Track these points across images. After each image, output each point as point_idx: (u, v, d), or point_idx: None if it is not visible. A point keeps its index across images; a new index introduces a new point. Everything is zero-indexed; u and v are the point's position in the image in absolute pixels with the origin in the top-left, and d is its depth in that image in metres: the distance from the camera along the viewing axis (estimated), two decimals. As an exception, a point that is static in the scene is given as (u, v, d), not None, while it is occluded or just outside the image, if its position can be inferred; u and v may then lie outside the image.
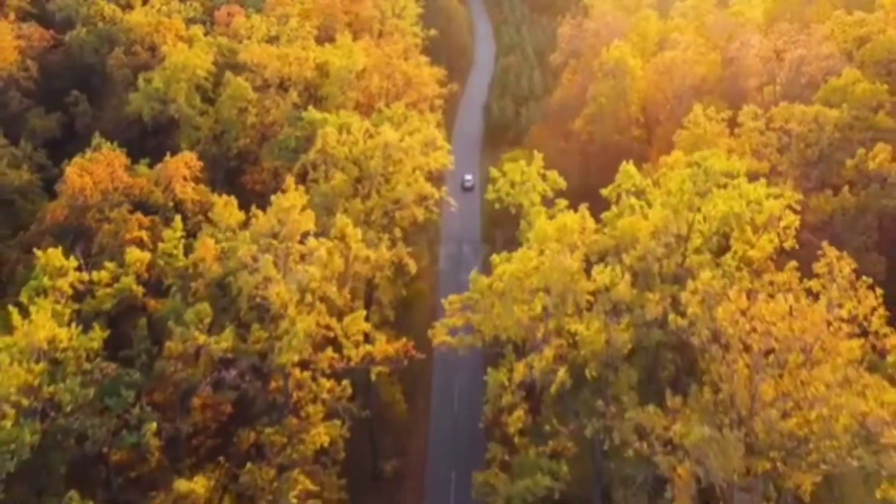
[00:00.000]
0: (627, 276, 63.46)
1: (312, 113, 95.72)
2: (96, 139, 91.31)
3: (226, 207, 76.07)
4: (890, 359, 56.36)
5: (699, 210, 68.07)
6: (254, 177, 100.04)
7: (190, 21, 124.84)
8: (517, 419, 62.10)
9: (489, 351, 72.62)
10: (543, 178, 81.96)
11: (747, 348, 53.78)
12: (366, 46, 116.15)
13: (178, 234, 74.34)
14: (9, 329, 60.82)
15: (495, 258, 69.03)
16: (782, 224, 68.13)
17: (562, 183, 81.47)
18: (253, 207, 74.76)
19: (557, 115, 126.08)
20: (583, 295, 62.88)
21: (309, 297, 66.91)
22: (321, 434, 64.29)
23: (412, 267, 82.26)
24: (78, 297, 68.29)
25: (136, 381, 63.11)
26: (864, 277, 57.17)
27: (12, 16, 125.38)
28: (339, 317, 68.74)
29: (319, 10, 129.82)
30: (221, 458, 65.17)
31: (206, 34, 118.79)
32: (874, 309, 56.00)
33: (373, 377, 70.28)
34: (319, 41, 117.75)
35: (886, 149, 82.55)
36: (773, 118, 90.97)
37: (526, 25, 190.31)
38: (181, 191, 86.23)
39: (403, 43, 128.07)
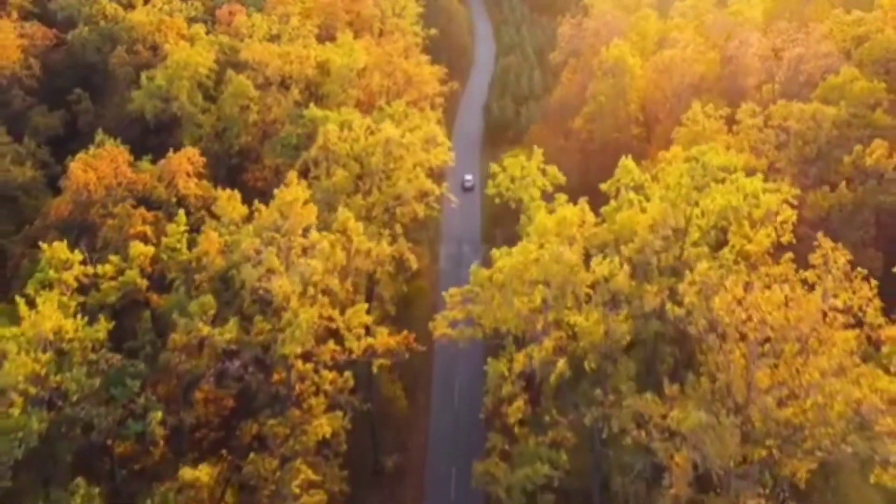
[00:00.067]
0: (626, 269, 64.10)
1: (314, 110, 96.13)
2: (100, 136, 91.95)
3: (229, 201, 76.69)
4: (885, 350, 57.01)
5: (697, 204, 68.69)
6: (255, 174, 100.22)
7: (191, 20, 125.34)
8: (517, 409, 62.64)
9: (489, 344, 73.27)
10: (543, 173, 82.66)
11: (743, 337, 54.40)
12: (366, 45, 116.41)
13: (182, 228, 74.80)
14: (16, 320, 61.54)
15: (495, 252, 69.66)
16: (780, 219, 68.76)
17: (561, 178, 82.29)
18: (255, 202, 75.44)
19: (557, 114, 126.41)
20: (582, 287, 63.50)
21: (311, 290, 67.37)
22: (323, 425, 64.58)
23: (413, 262, 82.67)
24: (83, 290, 68.85)
25: (141, 372, 63.76)
26: (858, 269, 57.88)
27: (15, 15, 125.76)
28: (341, 310, 69.25)
29: (320, 8, 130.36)
30: (224, 451, 65.48)
31: (207, 33, 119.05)
32: (869, 300, 56.70)
33: (374, 370, 70.72)
34: (320, 40, 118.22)
35: (883, 145, 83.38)
36: (772, 116, 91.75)
37: (526, 25, 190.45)
38: (184, 186, 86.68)
39: (404, 42, 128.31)
